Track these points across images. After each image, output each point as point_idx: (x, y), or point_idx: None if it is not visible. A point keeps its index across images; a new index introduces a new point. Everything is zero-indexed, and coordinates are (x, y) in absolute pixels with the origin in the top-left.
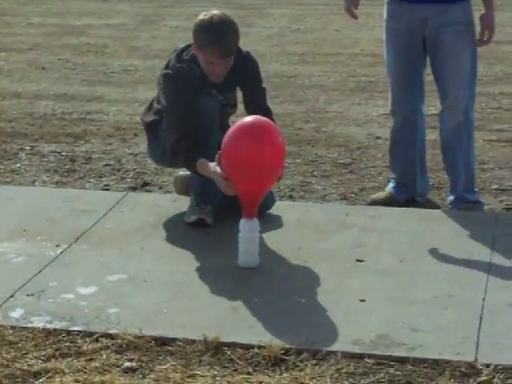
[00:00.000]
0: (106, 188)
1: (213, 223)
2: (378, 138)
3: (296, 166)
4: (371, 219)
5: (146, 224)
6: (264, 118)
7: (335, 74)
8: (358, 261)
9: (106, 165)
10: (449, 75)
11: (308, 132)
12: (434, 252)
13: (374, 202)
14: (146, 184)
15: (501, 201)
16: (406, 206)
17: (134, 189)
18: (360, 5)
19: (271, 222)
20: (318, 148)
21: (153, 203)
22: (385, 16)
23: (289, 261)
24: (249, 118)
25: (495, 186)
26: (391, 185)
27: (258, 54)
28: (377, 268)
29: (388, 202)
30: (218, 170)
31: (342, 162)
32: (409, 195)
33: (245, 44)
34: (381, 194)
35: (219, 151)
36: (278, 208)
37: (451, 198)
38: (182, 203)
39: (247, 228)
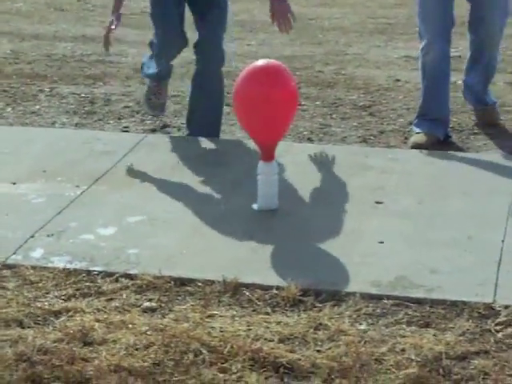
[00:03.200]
0: (126, 130)
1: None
2: (398, 80)
3: (315, 109)
4: (390, 161)
5: (164, 166)
6: (277, 63)
7: (355, 16)
8: (376, 203)
9: (125, 107)
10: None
11: (327, 74)
12: (453, 194)
13: (417, 146)
14: (165, 126)
15: None
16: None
17: (153, 131)
18: None
19: (290, 165)
20: (337, 90)
21: (172, 145)
22: None
23: (308, 203)
24: (261, 63)
25: None
26: (426, 125)
27: None
28: (396, 210)
29: (430, 142)
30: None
31: (361, 104)
32: (446, 131)
33: None
34: (420, 137)
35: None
36: (298, 150)
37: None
38: (202, 145)
39: (266, 171)
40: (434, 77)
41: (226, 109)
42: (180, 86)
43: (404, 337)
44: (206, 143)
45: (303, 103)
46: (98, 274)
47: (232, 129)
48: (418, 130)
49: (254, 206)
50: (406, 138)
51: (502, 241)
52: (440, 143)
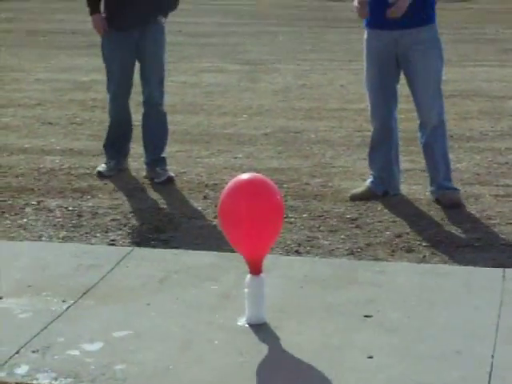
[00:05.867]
0: (112, 243)
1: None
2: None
3: (303, 221)
4: (378, 274)
5: (151, 279)
6: (261, 177)
7: (341, 130)
8: (365, 316)
9: (112, 220)
10: (420, 88)
11: (314, 187)
12: (441, 307)
13: (354, 197)
14: (152, 239)
15: (509, 257)
16: (383, 198)
17: (139, 244)
18: (365, 61)
19: (278, 278)
20: (324, 203)
21: (159, 258)
22: (365, 36)
23: (296, 317)
24: (245, 177)
25: (502, 242)
26: (369, 180)
27: (264, 110)
28: (384, 324)
29: (367, 195)
30: None
31: (348, 216)
32: (385, 188)
33: (251, 99)
34: (359, 189)
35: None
36: (285, 263)
37: (432, 188)
38: (189, 259)
39: (253, 284)
40: (376, 143)
41: (212, 221)
42: (160, 198)
43: None
44: (193, 256)
45: (290, 216)
46: None
47: (219, 242)
48: (366, 182)
49: (242, 320)
50: (393, 251)
51: (492, 355)
52: (379, 197)
